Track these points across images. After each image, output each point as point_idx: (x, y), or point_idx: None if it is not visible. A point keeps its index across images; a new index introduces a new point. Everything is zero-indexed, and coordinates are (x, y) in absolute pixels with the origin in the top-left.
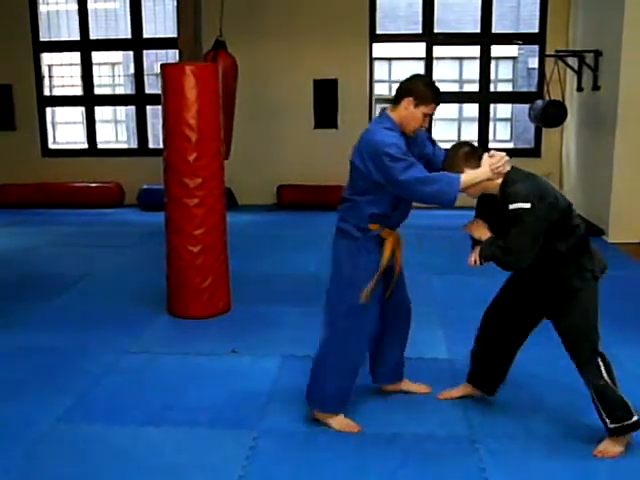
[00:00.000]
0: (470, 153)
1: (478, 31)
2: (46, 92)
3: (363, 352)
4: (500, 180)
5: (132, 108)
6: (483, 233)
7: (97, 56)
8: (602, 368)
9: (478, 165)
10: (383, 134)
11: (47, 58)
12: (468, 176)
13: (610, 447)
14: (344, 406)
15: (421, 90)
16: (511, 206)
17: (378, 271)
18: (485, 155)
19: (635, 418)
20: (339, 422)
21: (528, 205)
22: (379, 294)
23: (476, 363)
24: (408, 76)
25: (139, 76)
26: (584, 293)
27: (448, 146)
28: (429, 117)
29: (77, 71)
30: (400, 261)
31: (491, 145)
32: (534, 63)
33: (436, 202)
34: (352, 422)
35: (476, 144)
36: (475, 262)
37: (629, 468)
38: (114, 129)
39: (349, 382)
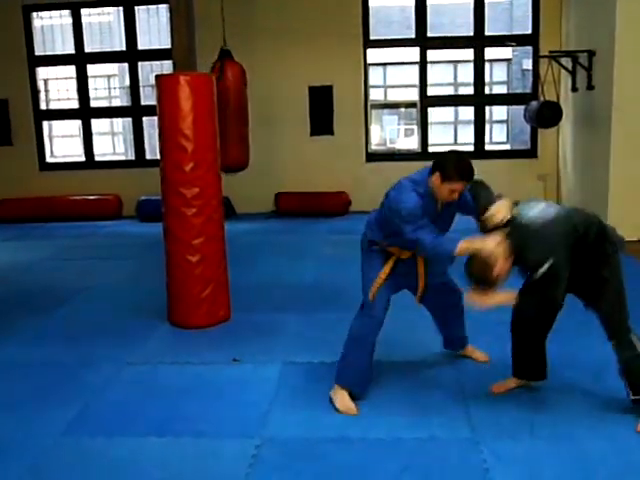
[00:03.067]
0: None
1: (471, 34)
2: (42, 106)
3: (369, 336)
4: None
5: (128, 120)
6: (500, 298)
7: (92, 69)
8: (636, 340)
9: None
10: (407, 196)
11: (42, 72)
12: (465, 244)
13: None
14: (355, 384)
15: (448, 168)
16: (538, 273)
17: (380, 275)
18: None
19: None
20: (342, 401)
21: (550, 262)
22: (384, 294)
23: (517, 359)
24: (445, 151)
25: (135, 88)
26: (613, 276)
27: (443, 149)
28: (457, 193)
29: (73, 84)
30: (423, 276)
31: (488, 147)
32: (528, 64)
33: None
34: (352, 405)
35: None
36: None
37: (630, 468)
38: (111, 141)
39: (359, 361)
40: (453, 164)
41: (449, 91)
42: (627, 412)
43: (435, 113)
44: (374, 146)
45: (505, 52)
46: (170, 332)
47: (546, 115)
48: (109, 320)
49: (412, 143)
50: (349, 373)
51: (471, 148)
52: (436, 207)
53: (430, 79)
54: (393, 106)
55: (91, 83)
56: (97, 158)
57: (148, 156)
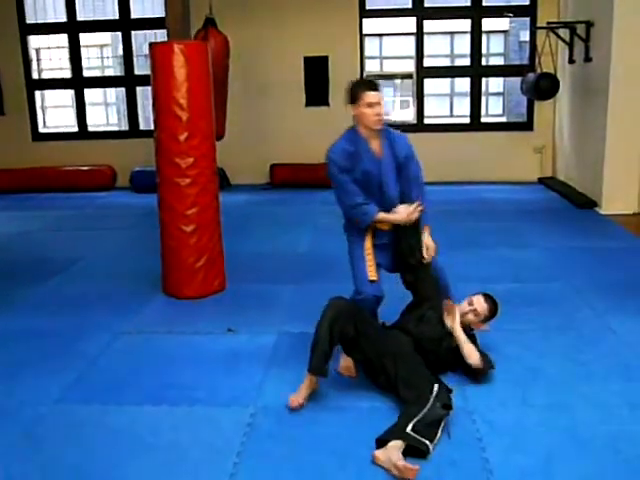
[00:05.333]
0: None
1: (469, 4)
2: (34, 76)
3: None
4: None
5: (122, 90)
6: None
7: (85, 38)
8: None
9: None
10: (334, 145)
11: (34, 41)
12: (382, 215)
13: None
14: None
15: (349, 92)
16: None
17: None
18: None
19: None
20: (345, 361)
21: None
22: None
23: None
24: None
25: (128, 57)
26: None
27: (440, 121)
28: (375, 105)
29: (65, 53)
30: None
31: (484, 119)
32: (525, 36)
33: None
34: (352, 367)
35: None
36: None
37: (622, 438)
38: (104, 111)
39: None
40: (351, 85)
41: (445, 63)
42: (623, 380)
43: (431, 85)
44: None
45: (502, 23)
46: (165, 302)
47: (543, 87)
48: (103, 290)
49: (408, 115)
50: None
51: (467, 120)
52: (370, 149)
53: (426, 50)
54: (389, 77)
55: (84, 52)
56: (90, 129)
57: (142, 126)
